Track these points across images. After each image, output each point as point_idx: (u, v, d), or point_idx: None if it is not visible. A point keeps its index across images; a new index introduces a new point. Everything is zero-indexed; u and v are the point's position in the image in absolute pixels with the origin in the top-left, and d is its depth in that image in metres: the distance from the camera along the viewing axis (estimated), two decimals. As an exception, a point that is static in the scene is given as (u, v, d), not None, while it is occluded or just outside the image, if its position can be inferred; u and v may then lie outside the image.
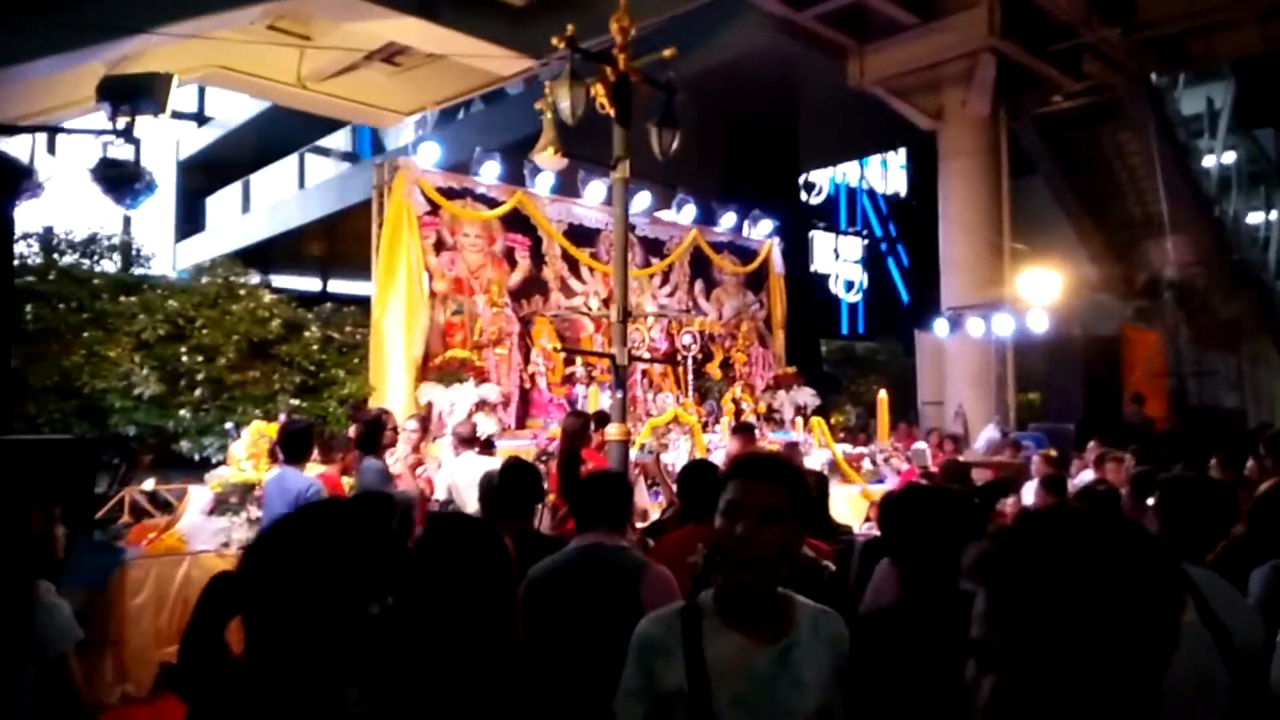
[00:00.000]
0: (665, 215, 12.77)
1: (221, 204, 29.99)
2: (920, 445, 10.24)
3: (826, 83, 14.15)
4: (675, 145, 7.11)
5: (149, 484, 8.53)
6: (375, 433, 5.12)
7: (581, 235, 11.92)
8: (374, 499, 3.39)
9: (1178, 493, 2.74)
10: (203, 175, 29.47)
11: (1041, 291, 11.92)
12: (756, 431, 11.61)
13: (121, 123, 5.13)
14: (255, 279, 9.87)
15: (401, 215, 9.90)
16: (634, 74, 6.79)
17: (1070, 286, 14.86)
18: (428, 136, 12.59)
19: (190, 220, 29.79)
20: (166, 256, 28.22)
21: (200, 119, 29.84)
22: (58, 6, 7.58)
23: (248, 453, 6.96)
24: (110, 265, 9.62)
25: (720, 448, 10.01)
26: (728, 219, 13.80)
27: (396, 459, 6.65)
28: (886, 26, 12.81)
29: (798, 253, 16.52)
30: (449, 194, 10.53)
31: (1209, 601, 2.37)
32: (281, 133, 25.80)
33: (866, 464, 11.77)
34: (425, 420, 6.84)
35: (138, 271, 10.45)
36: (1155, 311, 17.47)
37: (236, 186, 29.19)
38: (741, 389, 12.38)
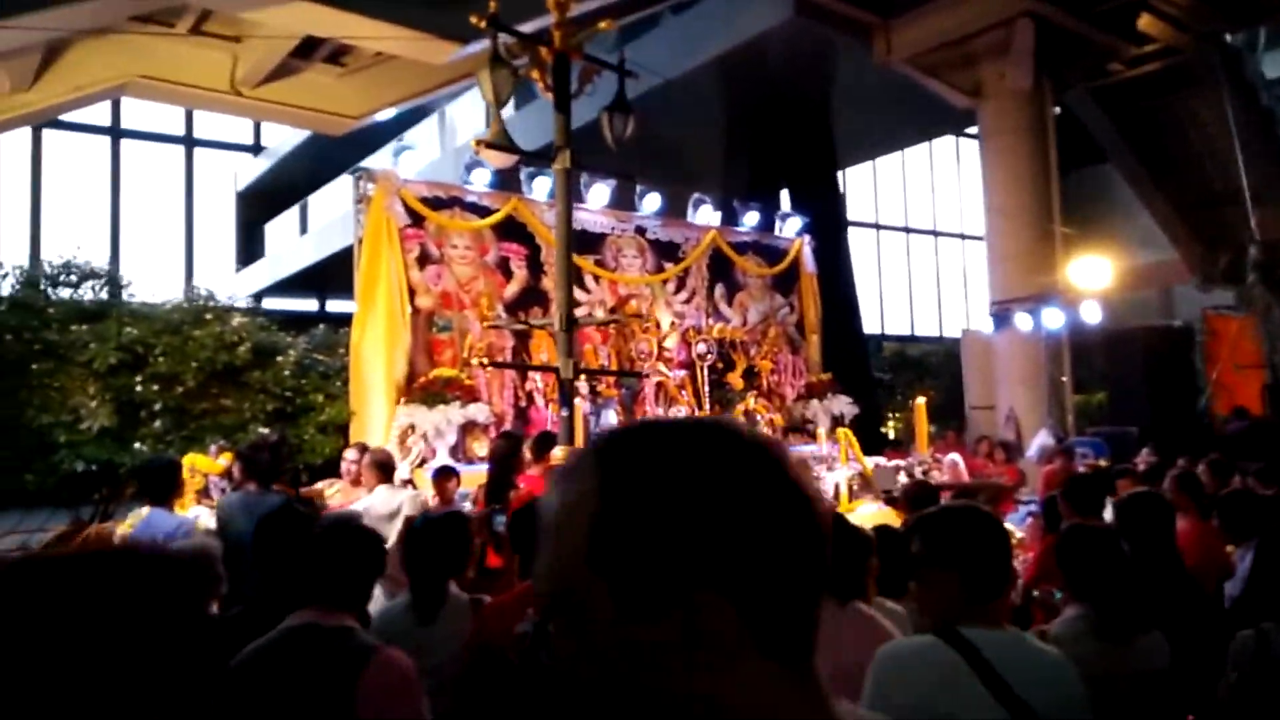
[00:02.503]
0: (670, 215, 11.98)
1: (279, 230, 30.42)
2: (952, 457, 9.16)
3: (860, 67, 13.14)
4: (629, 132, 6.33)
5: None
6: (167, 478, 4.45)
7: (585, 241, 11.21)
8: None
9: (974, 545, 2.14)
10: (261, 203, 29.96)
11: (1095, 279, 10.67)
12: None
13: None
14: (242, 303, 9.54)
15: (381, 229, 9.38)
16: (575, 54, 6.06)
17: (1137, 273, 13.46)
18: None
19: (251, 248, 30.33)
20: (228, 285, 28.84)
21: (256, 149, 30.39)
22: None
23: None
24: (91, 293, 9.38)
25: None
26: (750, 218, 12.93)
27: (335, 490, 6.05)
28: (911, -1, 11.77)
29: (837, 250, 15.45)
30: (435, 204, 9.98)
31: (1000, 671, 1.93)
32: (336, 154, 25.95)
33: (902, 478, 10.71)
34: (364, 449, 6.17)
35: (131, 299, 10.22)
36: (1243, 295, 15.76)
37: (294, 211, 29.56)
38: (755, 399, 11.42)
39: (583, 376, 10.83)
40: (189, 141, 27.65)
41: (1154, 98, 15.16)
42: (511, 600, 2.74)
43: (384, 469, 5.36)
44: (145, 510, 4.76)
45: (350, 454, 6.00)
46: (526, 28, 6.25)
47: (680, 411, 11.28)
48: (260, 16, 7.52)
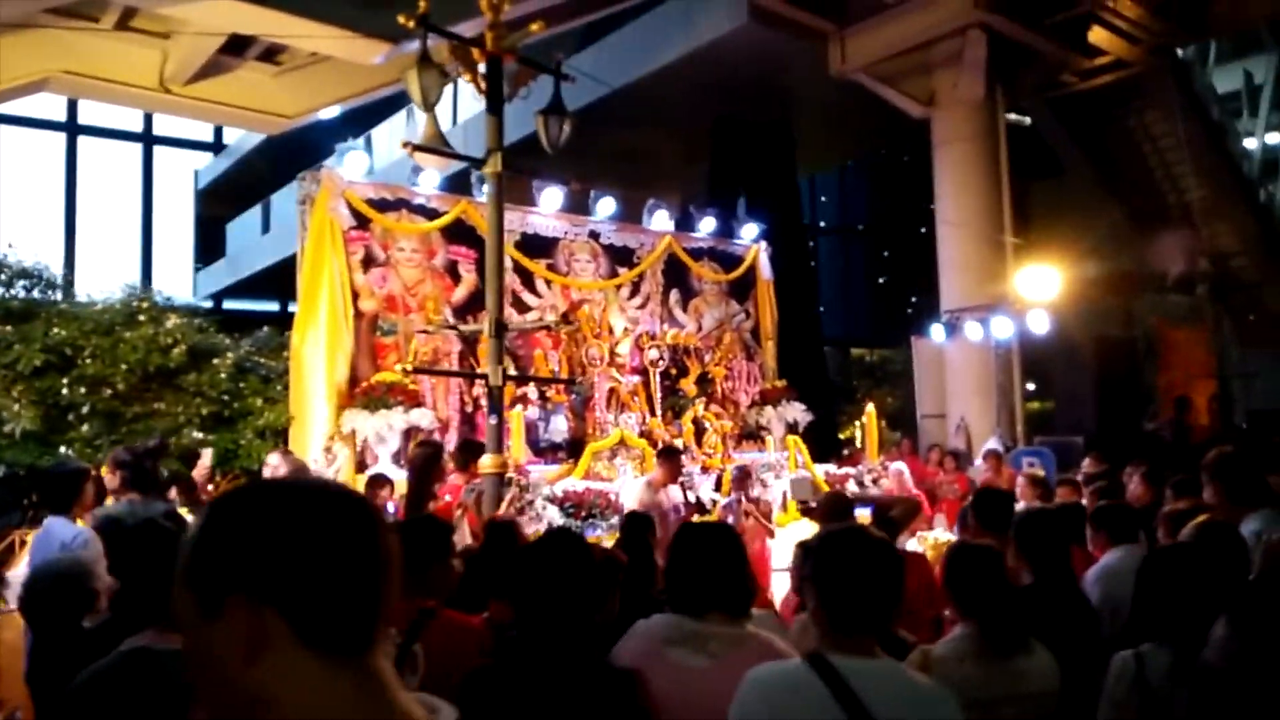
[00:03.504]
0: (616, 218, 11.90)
1: (241, 228, 29.97)
2: (896, 466, 9.16)
3: (818, 73, 13.17)
4: (565, 135, 6.25)
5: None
6: (68, 486, 4.30)
7: (537, 245, 11.12)
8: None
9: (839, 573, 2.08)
10: (222, 202, 29.48)
11: (1043, 289, 10.73)
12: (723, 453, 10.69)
13: None
14: (206, 304, 9.29)
15: (324, 231, 9.21)
16: (509, 56, 5.97)
17: (1089, 283, 13.60)
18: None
19: (211, 247, 29.84)
20: (186, 284, 28.37)
21: (217, 147, 29.94)
22: None
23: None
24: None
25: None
26: (707, 224, 12.87)
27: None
28: (867, 7, 11.79)
29: (798, 257, 15.47)
30: (381, 206, 9.82)
31: (867, 703, 1.90)
32: (300, 151, 25.58)
33: (851, 485, 10.71)
34: (289, 456, 6.03)
35: (70, 299, 9.96)
36: (1195, 308, 15.98)
37: (256, 210, 29.11)
38: (706, 405, 11.36)
39: (532, 382, 10.76)
40: (147, 138, 27.18)
41: (1108, 110, 15.35)
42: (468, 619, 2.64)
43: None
44: (45, 522, 4.61)
45: (273, 459, 5.86)
46: (462, 29, 6.15)
47: (632, 417, 11.19)
48: (182, 13, 7.35)
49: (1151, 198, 16.04)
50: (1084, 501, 6.32)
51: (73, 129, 25.14)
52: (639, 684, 2.01)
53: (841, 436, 17.22)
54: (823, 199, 24.08)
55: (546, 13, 7.55)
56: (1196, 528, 2.83)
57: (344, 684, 0.91)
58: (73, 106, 24.09)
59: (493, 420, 5.57)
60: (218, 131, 29.16)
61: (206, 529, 0.95)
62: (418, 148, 5.59)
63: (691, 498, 9.29)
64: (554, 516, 8.14)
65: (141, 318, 8.26)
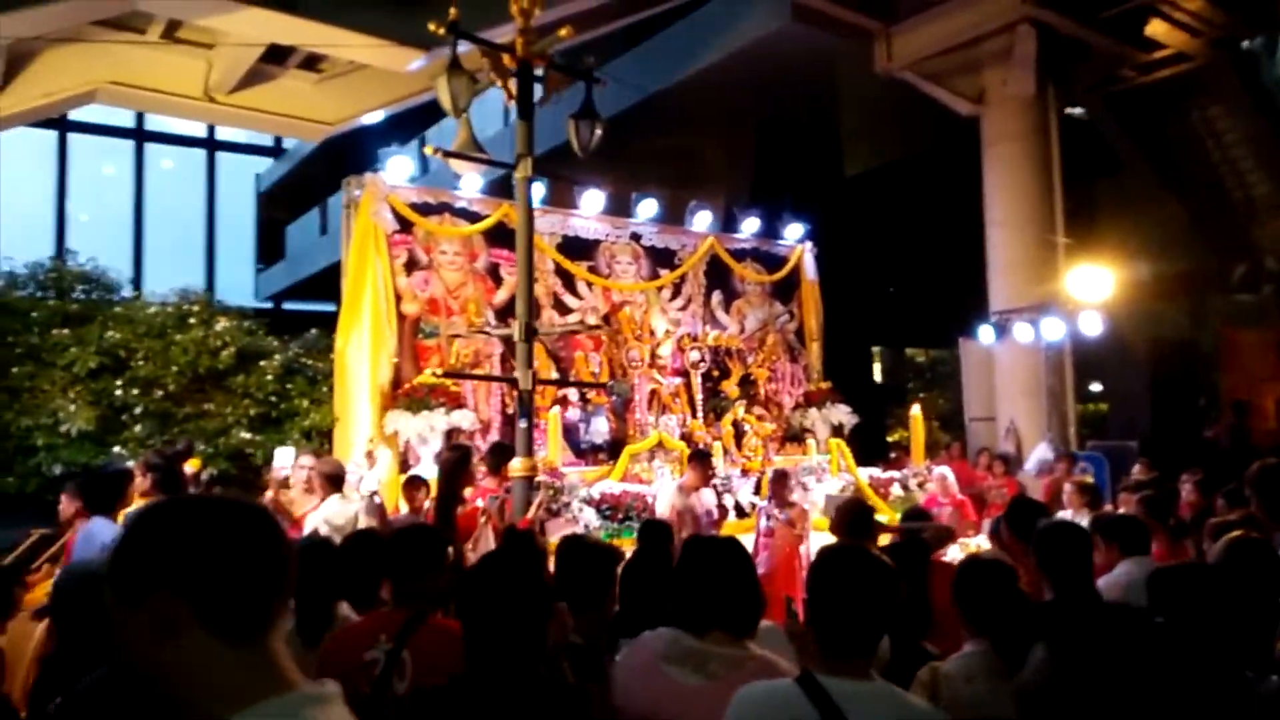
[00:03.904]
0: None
1: (300, 230, 30.64)
2: (940, 470, 8.99)
3: (864, 72, 12.99)
4: (597, 139, 6.26)
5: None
6: (113, 487, 4.44)
7: (578, 248, 11.18)
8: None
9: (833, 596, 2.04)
10: (281, 204, 30.18)
11: (1096, 289, 10.42)
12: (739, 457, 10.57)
13: None
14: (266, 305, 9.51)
15: (368, 236, 9.38)
16: (539, 61, 6.01)
17: (1147, 283, 13.17)
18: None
19: (272, 249, 30.58)
20: (248, 286, 29.13)
21: (277, 152, 30.66)
22: None
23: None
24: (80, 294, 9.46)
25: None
26: (750, 224, 12.79)
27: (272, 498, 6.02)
28: (914, 4, 11.58)
29: (845, 257, 15.26)
30: (424, 210, 9.97)
31: None
32: (357, 154, 26.01)
33: (896, 489, 10.55)
34: (317, 456, 6.14)
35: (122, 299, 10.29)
36: (1262, 308, 15.36)
37: (314, 213, 29.74)
38: (746, 408, 11.28)
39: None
40: (211, 144, 27.99)
41: (1169, 105, 14.84)
42: (360, 626, 2.67)
43: (333, 480, 5.32)
44: (89, 522, 4.77)
45: (305, 461, 5.97)
46: (493, 35, 6.20)
47: (673, 419, 11.18)
48: (222, 24, 7.56)
49: (1214, 195, 15.46)
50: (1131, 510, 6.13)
51: (140, 135, 25.99)
52: (591, 701, 2.01)
53: (890, 439, 16.97)
54: (874, 196, 23.82)
55: (580, 18, 7.57)
56: (1226, 544, 2.72)
57: (238, 660, 1.10)
58: (140, 115, 24.89)
59: (522, 424, 5.60)
60: (277, 136, 29.91)
61: (130, 536, 1.14)
62: (448, 154, 5.65)
63: (730, 501, 9.26)
64: (590, 519, 8.18)
65: (192, 320, 8.48)
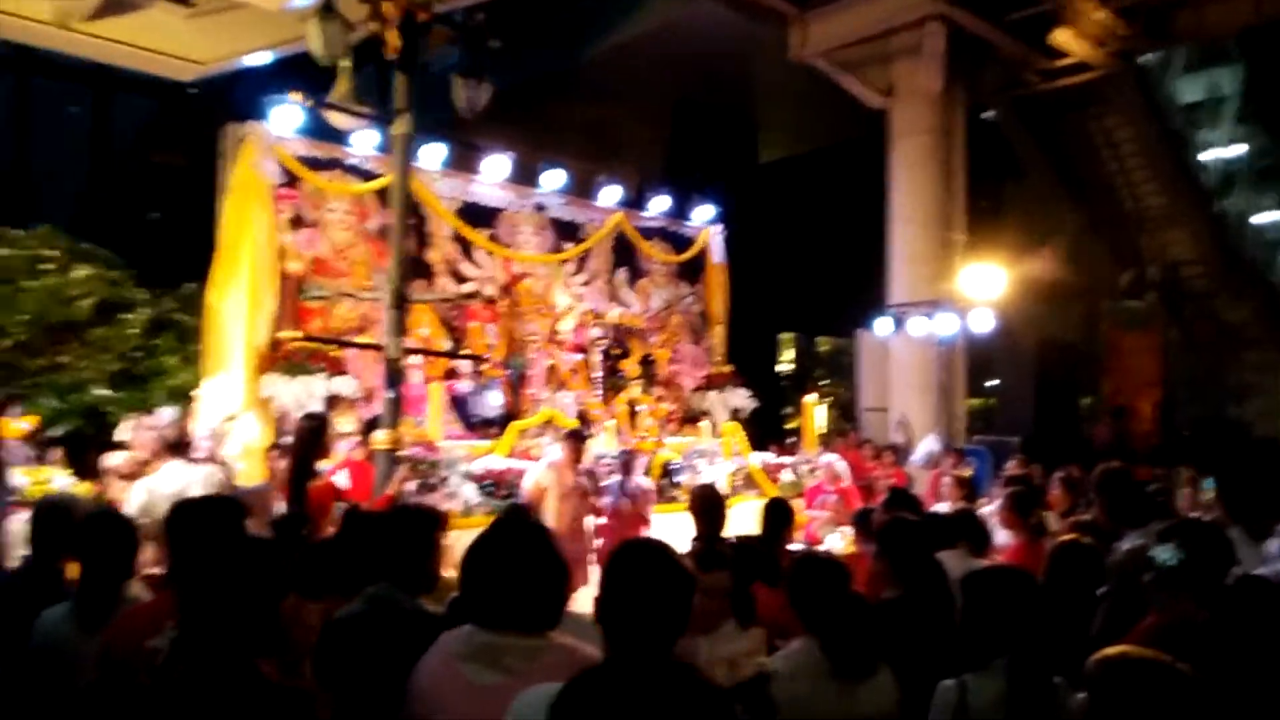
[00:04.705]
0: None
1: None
2: (828, 458, 9.05)
3: (782, 62, 12.93)
4: (485, 101, 5.97)
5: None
6: None
7: (479, 215, 10.79)
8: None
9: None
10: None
11: (988, 288, 10.64)
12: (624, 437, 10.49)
13: None
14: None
15: (249, 187, 8.84)
16: (423, 12, 5.68)
17: (1040, 285, 13.55)
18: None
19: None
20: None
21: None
22: None
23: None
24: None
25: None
26: (660, 203, 12.62)
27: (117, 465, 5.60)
28: (829, -9, 11.57)
29: (755, 243, 15.27)
30: (313, 164, 9.45)
31: None
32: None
33: (786, 475, 10.61)
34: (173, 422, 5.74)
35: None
36: (1148, 315, 16.03)
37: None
38: (643, 388, 11.17)
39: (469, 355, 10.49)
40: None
41: (1070, 112, 15.27)
42: (145, 611, 2.40)
43: (170, 445, 4.95)
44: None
45: (150, 421, 5.56)
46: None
47: (570, 396, 10.98)
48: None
49: (1108, 203, 16.03)
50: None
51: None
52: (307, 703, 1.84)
53: (790, 426, 17.16)
54: (785, 184, 24.02)
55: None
56: (1055, 547, 2.67)
57: None
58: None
59: (389, 394, 5.32)
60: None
61: None
62: (321, 105, 5.29)
63: (634, 483, 9.12)
64: (470, 494, 7.94)
65: (50, 266, 7.86)
